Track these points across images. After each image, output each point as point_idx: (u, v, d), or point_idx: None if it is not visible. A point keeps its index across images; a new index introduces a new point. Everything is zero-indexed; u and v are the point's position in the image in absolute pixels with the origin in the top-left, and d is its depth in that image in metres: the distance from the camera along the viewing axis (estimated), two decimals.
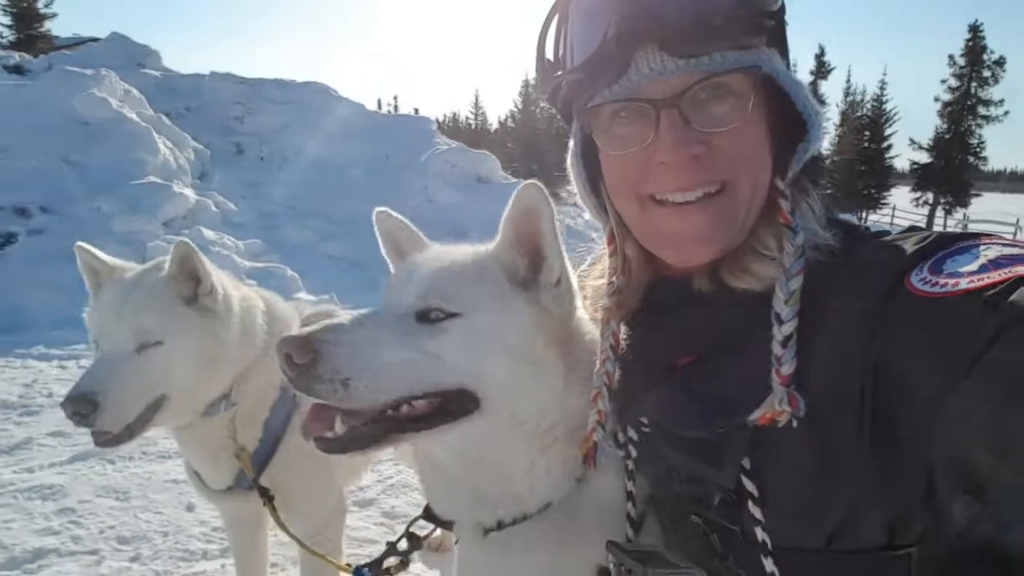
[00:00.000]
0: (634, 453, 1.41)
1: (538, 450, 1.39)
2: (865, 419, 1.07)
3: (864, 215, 45.30)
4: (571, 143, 1.36)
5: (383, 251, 1.59)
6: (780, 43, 1.21)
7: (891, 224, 40.78)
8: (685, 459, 1.32)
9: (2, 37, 30.77)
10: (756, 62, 1.14)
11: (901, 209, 43.61)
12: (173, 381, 2.19)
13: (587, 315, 1.47)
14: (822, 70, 48.58)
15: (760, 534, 1.21)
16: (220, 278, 2.32)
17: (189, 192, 11.55)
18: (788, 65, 1.24)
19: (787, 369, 1.11)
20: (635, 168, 1.20)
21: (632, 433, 1.41)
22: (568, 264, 1.37)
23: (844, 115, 49.86)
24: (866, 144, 47.22)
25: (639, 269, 1.34)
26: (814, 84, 48.36)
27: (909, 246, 1.12)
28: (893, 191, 47.82)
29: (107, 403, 2.06)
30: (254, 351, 2.36)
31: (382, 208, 1.56)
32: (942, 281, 1.01)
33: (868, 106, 48.73)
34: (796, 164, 1.22)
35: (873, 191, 46.71)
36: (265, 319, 2.46)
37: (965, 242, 1.07)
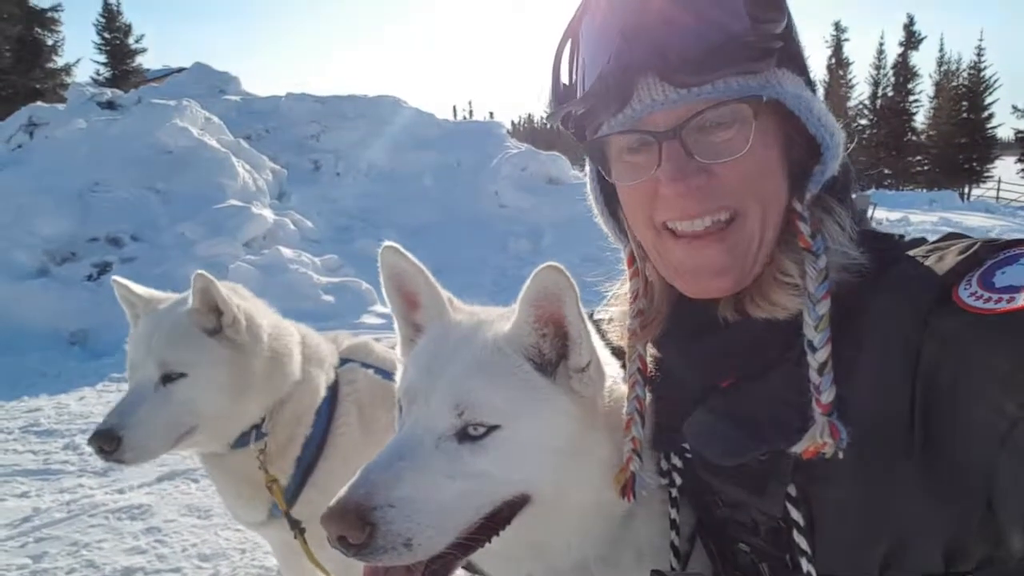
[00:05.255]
0: (678, 480, 1.37)
1: (580, 522, 1.34)
2: (915, 442, 1.02)
3: (967, 190, 42.80)
4: (586, 168, 1.34)
5: (384, 291, 1.45)
6: (793, 61, 1.14)
7: (996, 199, 38.30)
8: (727, 487, 1.28)
9: (99, 75, 32.84)
10: (759, 89, 1.08)
11: (1007, 182, 40.94)
12: (199, 412, 2.23)
13: (616, 340, 1.42)
14: (912, 40, 46.29)
15: (806, 565, 1.16)
16: (248, 308, 2.35)
17: (267, 212, 11.97)
18: (808, 80, 1.17)
19: (827, 397, 1.06)
20: (645, 197, 1.17)
21: (676, 460, 1.36)
22: (596, 345, 1.29)
23: (939, 86, 47.29)
24: (964, 115, 44.67)
25: (661, 291, 1.31)
26: (904, 55, 46.15)
27: (952, 256, 1.06)
28: (997, 163, 44.99)
29: (130, 438, 2.13)
30: (289, 381, 2.38)
31: (391, 244, 1.38)
32: (995, 296, 0.95)
33: (964, 75, 46.07)
34: (813, 187, 1.15)
35: (975, 164, 44.19)
36: (302, 350, 2.47)
37: (1013, 250, 1.01)
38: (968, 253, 1.05)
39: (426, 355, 1.34)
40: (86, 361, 8.06)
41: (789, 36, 1.12)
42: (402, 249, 1.39)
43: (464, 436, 1.20)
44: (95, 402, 6.74)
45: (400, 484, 1.13)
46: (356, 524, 1.09)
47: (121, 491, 4.91)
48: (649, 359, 1.34)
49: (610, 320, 1.43)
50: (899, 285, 1.09)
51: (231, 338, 2.28)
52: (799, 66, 1.15)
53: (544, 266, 1.18)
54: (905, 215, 23.41)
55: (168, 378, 2.22)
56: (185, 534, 4.39)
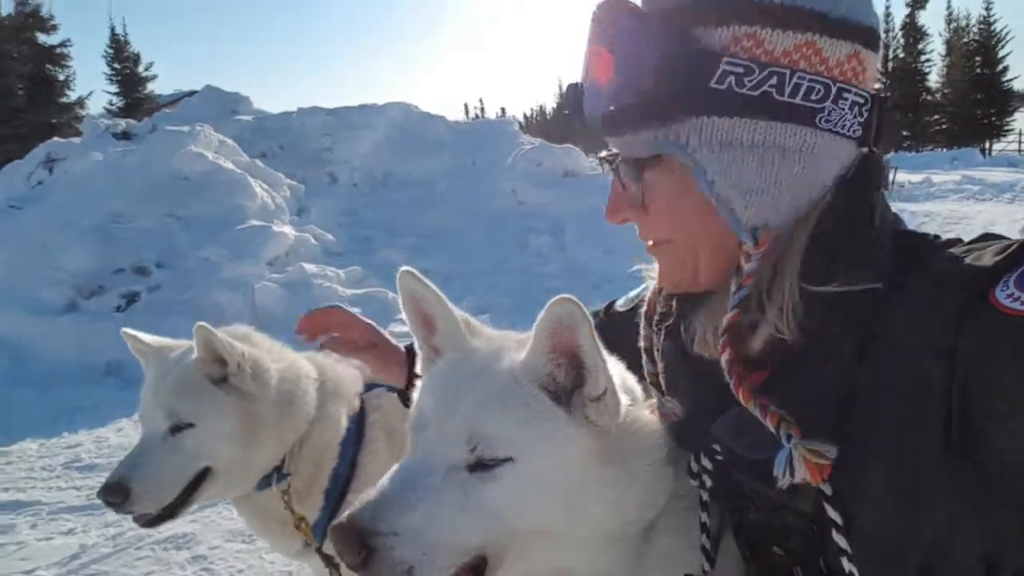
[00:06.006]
0: (709, 483, 1.34)
1: (601, 546, 1.32)
2: (951, 442, 0.99)
3: (988, 145, 42.04)
4: None
5: (404, 315, 1.47)
6: (729, 104, 1.10)
7: (1019, 151, 37.54)
8: (760, 485, 1.25)
9: (112, 104, 33.34)
10: (657, 147, 1.15)
11: None
12: (209, 461, 2.22)
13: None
14: (918, 0, 45.42)
15: (847, 565, 1.12)
16: (255, 355, 2.33)
17: (288, 229, 12.02)
18: (779, 113, 1.11)
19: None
20: None
21: (706, 462, 1.34)
22: (612, 374, 1.26)
23: (949, 44, 46.44)
24: (979, 70, 43.81)
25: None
26: (911, 16, 45.47)
27: (988, 257, 1.03)
28: (1017, 115, 44.11)
29: (139, 490, 2.12)
30: (303, 421, 2.36)
31: (407, 269, 1.41)
32: None
33: (975, 30, 45.09)
34: (744, 237, 1.15)
35: (994, 119, 43.37)
36: (317, 386, 2.45)
37: None
38: (1005, 254, 1.01)
39: (441, 384, 1.33)
40: (121, 391, 8.12)
41: (714, 86, 1.09)
42: (418, 274, 1.40)
43: (476, 467, 1.21)
44: (133, 433, 6.80)
45: (408, 514, 1.14)
46: (354, 546, 1.10)
47: None
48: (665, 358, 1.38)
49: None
50: (933, 285, 1.05)
51: (238, 387, 2.26)
52: (739, 107, 1.10)
53: (558, 298, 1.17)
54: (927, 176, 23.04)
55: (177, 428, 2.21)
56: (231, 560, 4.41)
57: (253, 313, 9.44)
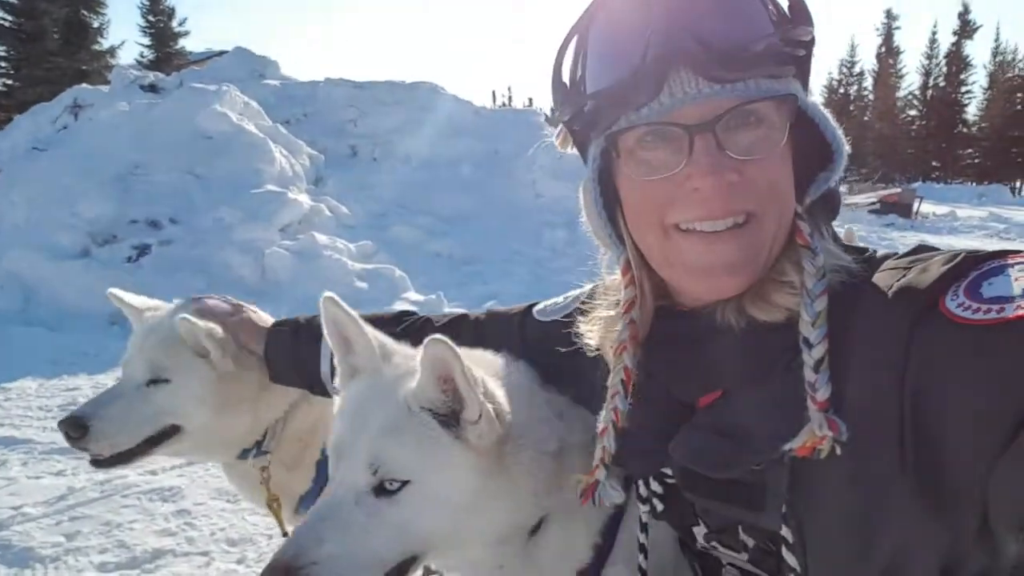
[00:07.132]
0: (660, 507, 1.37)
1: (494, 544, 1.49)
2: (906, 451, 0.99)
3: (1019, 184, 41.73)
4: (588, 169, 1.28)
5: (327, 337, 1.59)
6: (804, 75, 1.16)
7: None
8: (720, 506, 1.26)
9: (143, 57, 33.53)
10: (788, 91, 1.09)
11: None
12: (176, 420, 2.23)
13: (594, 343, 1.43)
14: (967, 29, 45.09)
15: None
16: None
17: (304, 198, 12.05)
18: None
19: (822, 395, 1.04)
20: (661, 195, 1.14)
21: (656, 486, 1.36)
22: (487, 401, 1.36)
23: (993, 77, 45.93)
24: (1019, 107, 43.35)
25: (652, 300, 1.29)
26: (957, 45, 45.04)
27: (936, 267, 1.04)
28: None
29: (98, 429, 2.12)
30: (283, 402, 2.36)
31: (329, 294, 1.55)
32: (984, 307, 0.93)
33: (1021, 65, 44.57)
34: (814, 191, 1.17)
35: None
36: None
37: (998, 261, 0.99)
38: (953, 263, 1.02)
39: (349, 412, 1.47)
40: (123, 340, 7.98)
41: (810, 50, 1.14)
42: (339, 299, 1.54)
43: (381, 491, 1.34)
44: None
45: (324, 543, 1.27)
46: None
47: (154, 473, 4.99)
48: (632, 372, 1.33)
49: (590, 320, 1.43)
50: (884, 296, 1.06)
51: (219, 368, 2.24)
52: (806, 81, 1.17)
53: (431, 339, 1.27)
54: (952, 209, 22.87)
55: (153, 381, 2.21)
56: (214, 518, 4.45)
57: (261, 278, 9.51)
